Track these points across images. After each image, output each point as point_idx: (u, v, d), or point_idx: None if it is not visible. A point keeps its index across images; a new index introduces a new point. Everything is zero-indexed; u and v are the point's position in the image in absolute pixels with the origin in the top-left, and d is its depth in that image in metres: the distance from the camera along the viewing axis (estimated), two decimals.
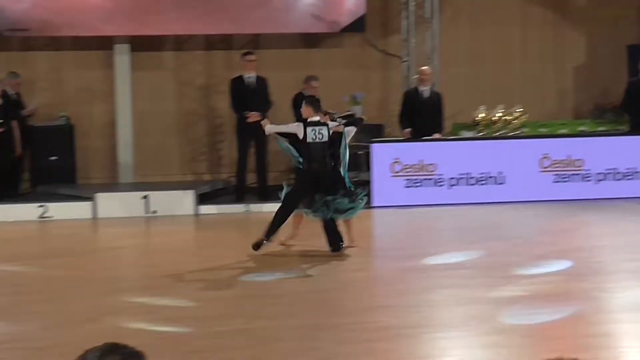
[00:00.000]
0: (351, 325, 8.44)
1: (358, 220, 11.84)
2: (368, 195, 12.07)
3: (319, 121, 11.66)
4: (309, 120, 11.67)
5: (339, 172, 11.74)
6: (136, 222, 14.46)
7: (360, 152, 16.15)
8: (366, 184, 15.55)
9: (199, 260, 11.60)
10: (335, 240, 11.62)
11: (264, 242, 11.54)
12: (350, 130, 12.11)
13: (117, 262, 11.61)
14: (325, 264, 11.20)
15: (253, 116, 15.20)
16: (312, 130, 11.55)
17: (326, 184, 11.54)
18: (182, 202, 14.93)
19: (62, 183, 15.92)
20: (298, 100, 15.49)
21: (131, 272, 11.22)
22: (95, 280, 10.49)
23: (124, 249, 12.45)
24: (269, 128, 12.06)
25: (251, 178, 15.79)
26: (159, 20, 16.12)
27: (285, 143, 12.17)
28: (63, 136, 16.32)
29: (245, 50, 16.23)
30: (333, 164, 11.75)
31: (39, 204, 14.76)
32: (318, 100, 12.12)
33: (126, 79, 16.65)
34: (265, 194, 15.46)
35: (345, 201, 11.56)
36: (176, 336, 8.22)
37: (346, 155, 11.85)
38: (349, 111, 15.45)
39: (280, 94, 15.74)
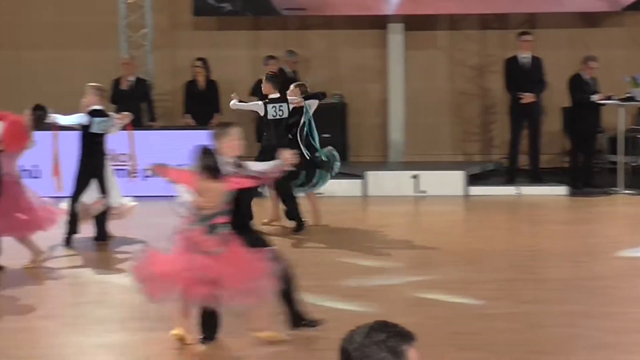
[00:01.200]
0: (623, 315, 8.10)
1: (634, 205, 11.32)
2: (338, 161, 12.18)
3: (278, 97, 11.76)
4: (269, 97, 11.78)
5: (300, 146, 11.63)
6: (405, 201, 14.48)
7: (639, 136, 15.51)
8: None
9: (467, 241, 11.49)
10: (295, 219, 11.79)
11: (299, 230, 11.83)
12: (312, 104, 12.05)
13: (385, 240, 11.64)
14: (595, 250, 10.81)
15: (527, 97, 14.91)
16: (272, 108, 11.70)
17: None
18: (452, 182, 14.82)
19: None
20: (575, 82, 15.07)
21: (399, 251, 11.21)
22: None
23: (393, 227, 12.48)
24: (233, 103, 12.09)
25: (523, 160, 15.47)
26: None
27: None
28: (336, 114, 16.52)
29: (521, 30, 15.88)
30: (294, 138, 11.76)
31: None
32: (277, 76, 12.13)
33: (399, 58, 16.68)
34: (537, 177, 15.15)
35: (313, 174, 11.77)
36: (444, 317, 8.14)
37: (312, 127, 11.90)
38: (628, 93, 14.89)
39: (556, 75, 15.31)
